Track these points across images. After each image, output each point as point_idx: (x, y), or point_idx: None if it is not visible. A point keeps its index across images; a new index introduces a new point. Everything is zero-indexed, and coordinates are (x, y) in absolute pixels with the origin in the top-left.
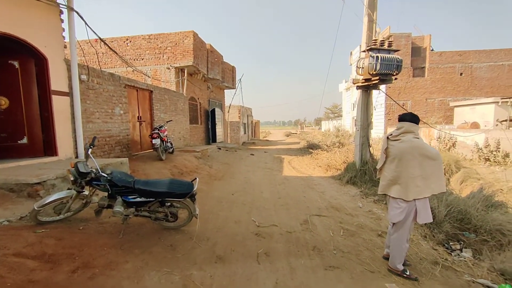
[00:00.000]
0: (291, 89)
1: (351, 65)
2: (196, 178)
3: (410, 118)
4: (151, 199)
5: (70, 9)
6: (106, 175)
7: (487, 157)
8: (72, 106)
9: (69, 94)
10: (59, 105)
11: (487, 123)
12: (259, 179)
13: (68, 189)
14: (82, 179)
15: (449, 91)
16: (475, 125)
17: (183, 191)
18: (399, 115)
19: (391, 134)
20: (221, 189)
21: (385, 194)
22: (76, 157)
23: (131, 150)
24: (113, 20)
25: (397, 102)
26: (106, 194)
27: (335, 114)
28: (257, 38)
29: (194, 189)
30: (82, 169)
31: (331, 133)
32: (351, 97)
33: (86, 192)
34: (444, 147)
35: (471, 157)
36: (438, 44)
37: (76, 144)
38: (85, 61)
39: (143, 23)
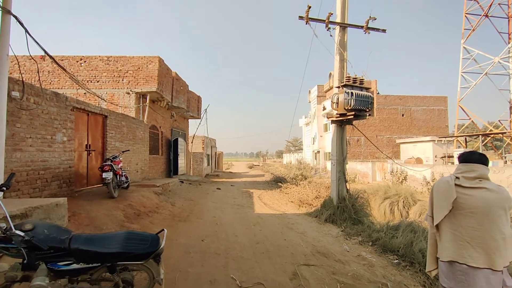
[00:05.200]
0: (254, 122)
1: (309, 102)
2: (163, 230)
3: (483, 159)
4: (95, 265)
5: (6, 11)
6: (22, 234)
7: None
8: None
9: None
10: None
11: (428, 159)
12: (230, 218)
13: None
14: None
15: (394, 130)
16: (419, 160)
17: (146, 250)
18: (460, 154)
19: (458, 178)
20: (188, 233)
21: (451, 262)
22: None
23: (74, 186)
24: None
25: (368, 138)
26: (21, 260)
27: (296, 147)
28: (222, 75)
29: (161, 246)
30: None
31: (293, 165)
32: (310, 132)
33: None
34: (397, 180)
35: (422, 190)
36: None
37: None
38: (21, 78)
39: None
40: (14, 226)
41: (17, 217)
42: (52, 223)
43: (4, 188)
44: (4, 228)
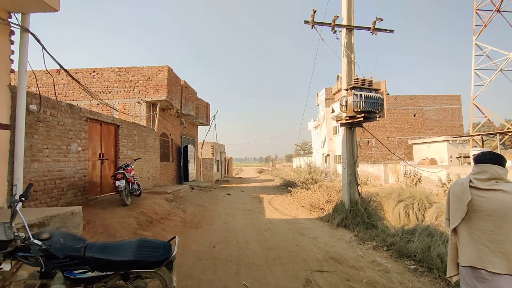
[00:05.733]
0: (262, 126)
1: (318, 105)
2: (175, 237)
3: (497, 159)
4: (109, 273)
5: (24, 30)
6: (39, 243)
7: None
8: (13, 141)
9: (11, 127)
10: None
11: (442, 159)
12: (241, 224)
13: None
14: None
15: (406, 131)
16: (433, 161)
17: (158, 258)
18: (475, 155)
19: (470, 181)
20: (199, 240)
21: (471, 267)
22: (10, 206)
23: (88, 194)
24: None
25: (379, 140)
26: (39, 268)
27: (305, 151)
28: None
29: (173, 253)
30: (0, 236)
31: (303, 169)
32: (320, 135)
33: (6, 267)
34: (411, 182)
35: (437, 192)
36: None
37: (12, 190)
38: (38, 91)
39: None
40: (32, 235)
41: (35, 226)
42: (67, 232)
43: (23, 199)
44: (23, 237)
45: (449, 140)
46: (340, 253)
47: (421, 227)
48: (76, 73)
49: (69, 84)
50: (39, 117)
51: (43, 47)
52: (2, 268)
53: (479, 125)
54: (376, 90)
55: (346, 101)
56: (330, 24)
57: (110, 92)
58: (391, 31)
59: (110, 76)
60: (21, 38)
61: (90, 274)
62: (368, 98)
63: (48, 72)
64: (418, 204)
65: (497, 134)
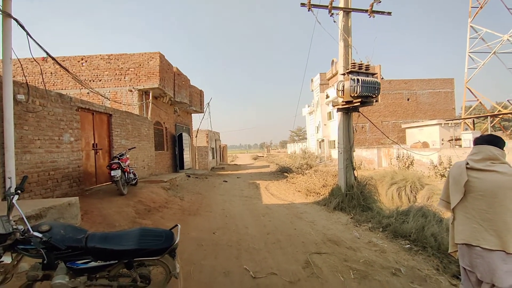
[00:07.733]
0: (257, 113)
1: (312, 91)
2: (177, 225)
3: (492, 140)
4: (112, 262)
5: (7, 15)
6: (40, 235)
7: (442, 174)
8: (2, 133)
9: None
10: None
11: (434, 142)
12: (239, 210)
13: None
14: None
15: (400, 115)
16: (425, 144)
17: (160, 246)
18: (475, 138)
19: (467, 163)
20: (199, 226)
21: (467, 244)
22: (4, 199)
23: (84, 185)
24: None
25: (374, 124)
26: (40, 260)
27: (300, 137)
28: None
29: (176, 241)
30: None
31: (297, 155)
32: (314, 121)
33: (7, 260)
34: (404, 165)
35: (429, 174)
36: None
37: (4, 182)
38: (25, 80)
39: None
40: (31, 227)
41: (32, 217)
42: (67, 223)
43: (19, 191)
44: (22, 230)
45: (441, 124)
46: (337, 235)
47: (415, 208)
48: (64, 61)
49: (57, 73)
50: (28, 107)
51: (27, 33)
52: (2, 261)
53: (471, 108)
54: (373, 74)
55: (343, 86)
56: (327, 6)
57: (100, 81)
58: (389, 13)
59: (99, 64)
60: (4, 24)
61: (93, 263)
62: (365, 83)
63: (35, 60)
64: (411, 186)
65: (488, 117)
